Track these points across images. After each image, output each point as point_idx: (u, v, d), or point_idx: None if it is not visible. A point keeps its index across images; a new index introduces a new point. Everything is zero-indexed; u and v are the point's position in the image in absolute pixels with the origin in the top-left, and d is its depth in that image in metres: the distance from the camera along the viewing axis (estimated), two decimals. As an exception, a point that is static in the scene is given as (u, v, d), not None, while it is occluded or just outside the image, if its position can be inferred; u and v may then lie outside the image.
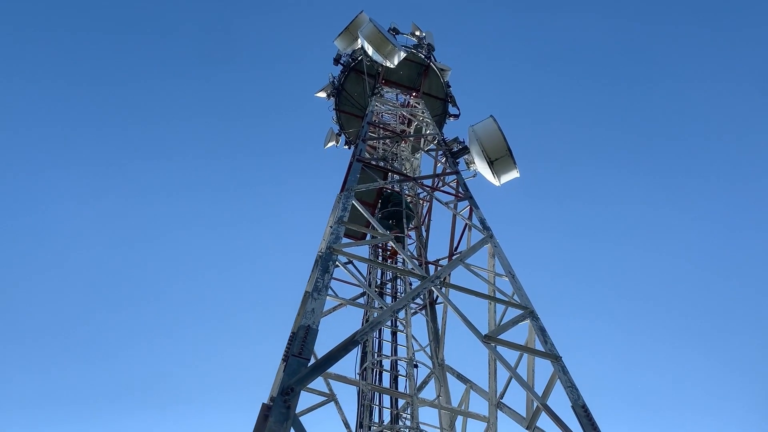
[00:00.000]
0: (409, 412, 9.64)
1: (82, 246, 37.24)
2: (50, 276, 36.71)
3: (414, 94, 19.54)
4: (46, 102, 39.24)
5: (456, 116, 20.01)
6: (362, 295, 12.05)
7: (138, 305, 36.43)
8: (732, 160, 38.75)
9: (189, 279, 38.03)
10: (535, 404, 8.19)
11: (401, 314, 11.15)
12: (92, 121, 39.71)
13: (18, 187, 36.37)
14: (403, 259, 13.09)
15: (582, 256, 39.73)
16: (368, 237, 11.22)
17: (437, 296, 12.81)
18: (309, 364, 6.47)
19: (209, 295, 38.29)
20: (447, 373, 11.23)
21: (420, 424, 9.26)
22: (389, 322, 11.19)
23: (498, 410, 9.50)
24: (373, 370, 10.25)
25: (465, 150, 15.63)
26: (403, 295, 12.23)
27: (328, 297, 8.30)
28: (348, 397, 9.94)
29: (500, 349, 8.58)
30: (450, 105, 20.01)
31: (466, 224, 12.69)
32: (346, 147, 20.44)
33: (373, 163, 14.28)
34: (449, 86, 20.15)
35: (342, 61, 20.04)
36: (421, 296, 12.63)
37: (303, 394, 6.18)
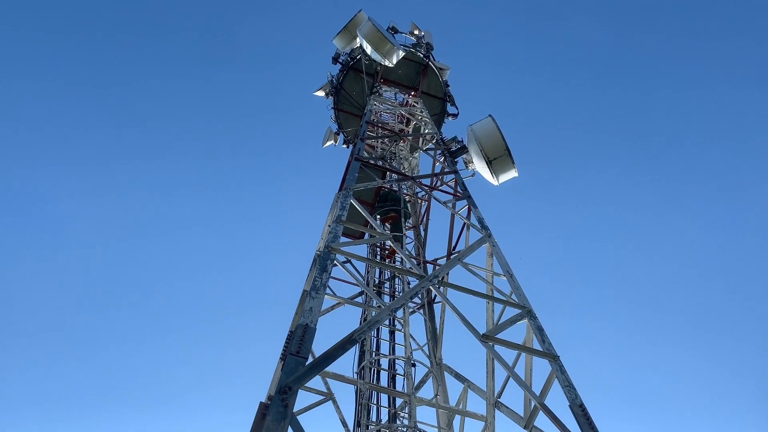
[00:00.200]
0: (406, 411, 9.64)
1: (80, 245, 37.25)
2: (48, 275, 36.72)
3: (413, 93, 19.53)
4: (46, 102, 39.26)
5: (455, 115, 20.01)
6: (360, 294, 12.06)
7: (135, 304, 36.43)
8: (731, 161, 38.84)
9: (187, 278, 38.04)
10: (533, 403, 8.19)
11: (399, 313, 11.15)
12: (91, 120, 39.71)
13: (18, 186, 36.36)
14: (402, 258, 13.10)
15: (580, 256, 39.81)
16: (366, 236, 11.23)
17: (435, 295, 12.82)
18: (307, 363, 6.47)
19: (207, 294, 38.30)
20: (445, 372, 11.24)
21: (417, 423, 9.27)
22: (387, 321, 11.20)
23: (496, 409, 9.50)
24: (371, 369, 10.25)
25: (463, 149, 15.63)
26: (401, 294, 12.24)
27: (326, 296, 8.30)
28: (346, 396, 9.95)
29: (498, 348, 8.58)
30: (449, 104, 20.00)
31: (465, 223, 12.70)
32: (345, 146, 20.43)
33: (372, 162, 14.27)
34: (448, 85, 20.14)
35: (341, 60, 20.03)
36: (419, 295, 12.65)
37: (301, 393, 6.18)
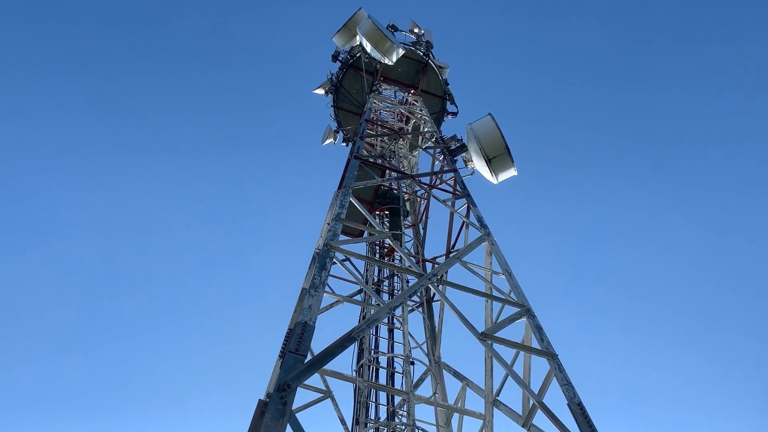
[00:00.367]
0: (405, 409, 9.66)
1: (78, 242, 37.19)
2: (46, 272, 36.66)
3: (412, 91, 19.52)
4: (45, 97, 39.17)
5: (454, 114, 19.99)
6: (359, 292, 12.07)
7: (133, 301, 36.41)
8: (731, 161, 38.85)
9: (185, 275, 38.01)
10: (531, 402, 8.19)
11: (398, 311, 11.17)
12: (91, 117, 39.65)
13: (17, 181, 36.31)
14: (401, 257, 13.10)
15: (579, 255, 39.79)
16: (366, 234, 11.23)
17: (434, 294, 12.82)
18: (305, 361, 6.47)
19: (206, 291, 38.26)
20: (443, 371, 11.26)
21: (416, 421, 9.29)
22: (386, 319, 11.22)
23: (494, 408, 9.52)
24: (369, 367, 10.27)
25: (463, 148, 15.63)
26: (400, 292, 12.25)
27: (325, 294, 8.32)
28: (344, 393, 9.97)
29: (497, 346, 8.59)
30: (448, 103, 19.98)
31: (464, 222, 12.70)
32: (344, 144, 20.41)
33: (371, 160, 14.27)
34: (447, 84, 20.11)
35: (340, 58, 20.00)
36: (418, 294, 12.65)
37: (299, 391, 6.18)
